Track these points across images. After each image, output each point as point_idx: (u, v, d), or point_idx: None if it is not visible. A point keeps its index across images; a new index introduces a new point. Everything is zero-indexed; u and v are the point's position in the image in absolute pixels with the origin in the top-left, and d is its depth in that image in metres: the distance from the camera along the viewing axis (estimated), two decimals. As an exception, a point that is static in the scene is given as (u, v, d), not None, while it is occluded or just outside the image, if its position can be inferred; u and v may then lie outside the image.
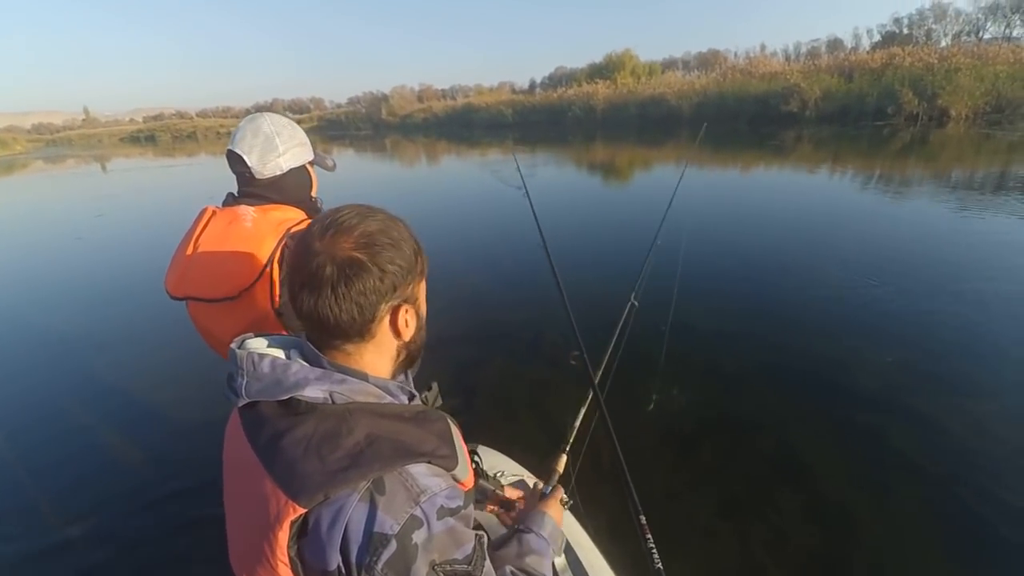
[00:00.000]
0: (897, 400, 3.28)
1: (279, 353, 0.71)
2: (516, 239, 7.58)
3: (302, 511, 0.59)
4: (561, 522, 1.12)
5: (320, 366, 0.69)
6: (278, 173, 1.32)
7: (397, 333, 0.74)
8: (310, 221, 1.28)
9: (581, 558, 1.40)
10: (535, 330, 4.55)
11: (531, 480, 1.75)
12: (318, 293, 0.65)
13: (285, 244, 1.21)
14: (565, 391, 3.50)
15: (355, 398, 0.68)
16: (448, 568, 0.62)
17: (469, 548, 0.65)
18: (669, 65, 41.38)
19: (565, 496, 1.22)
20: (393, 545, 0.58)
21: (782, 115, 22.90)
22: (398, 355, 0.77)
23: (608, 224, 8.56)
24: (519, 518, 1.11)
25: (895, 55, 22.36)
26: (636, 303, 2.46)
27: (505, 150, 22.47)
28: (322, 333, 0.70)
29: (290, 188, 1.35)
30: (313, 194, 1.46)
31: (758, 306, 4.86)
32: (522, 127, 35.46)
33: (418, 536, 0.60)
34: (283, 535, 0.60)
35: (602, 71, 36.18)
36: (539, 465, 1.76)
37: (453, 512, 0.64)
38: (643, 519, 1.18)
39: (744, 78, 26.77)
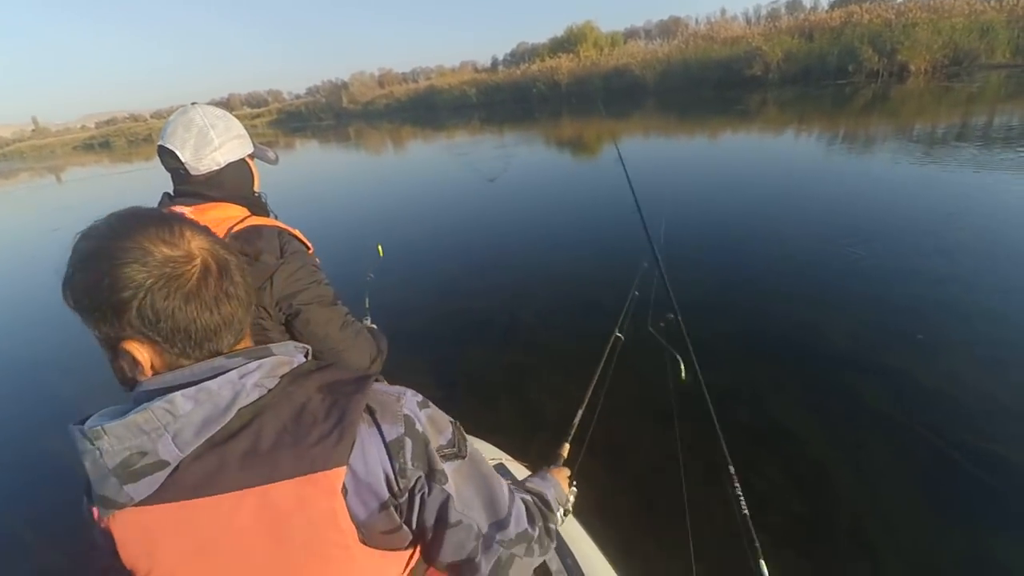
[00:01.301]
0: (870, 357, 3.31)
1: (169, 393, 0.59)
2: (488, 224, 7.44)
3: (344, 468, 0.59)
4: (566, 489, 1.13)
5: (222, 367, 0.62)
6: (215, 168, 1.23)
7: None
8: (257, 218, 1.23)
9: (580, 559, 1.40)
10: (509, 315, 4.48)
11: (511, 465, 1.76)
12: (224, 293, 0.64)
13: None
14: (544, 376, 3.54)
15: (278, 372, 0.65)
16: (440, 453, 0.69)
17: (450, 432, 0.73)
18: (631, 35, 41.04)
19: (571, 474, 1.22)
20: (408, 443, 0.65)
21: (746, 79, 22.92)
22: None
23: (582, 205, 8.41)
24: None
25: (853, 13, 22.35)
26: (637, 293, 2.54)
27: (472, 131, 22.18)
28: (220, 333, 0.64)
29: (230, 184, 1.26)
30: (256, 189, 1.37)
31: (732, 273, 4.85)
32: (487, 107, 34.95)
33: (418, 428, 0.67)
34: (339, 505, 0.59)
35: (564, 45, 35.70)
36: (521, 449, 1.80)
37: (425, 404, 0.71)
38: (731, 468, 1.39)
39: (706, 44, 26.63)
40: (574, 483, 1.22)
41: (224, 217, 1.18)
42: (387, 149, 21.84)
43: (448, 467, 0.69)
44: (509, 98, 34.81)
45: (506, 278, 5.36)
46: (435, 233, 7.35)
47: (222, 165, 1.24)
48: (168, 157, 1.21)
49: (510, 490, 0.80)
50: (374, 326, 1.62)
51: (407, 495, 0.65)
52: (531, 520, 0.82)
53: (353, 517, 0.61)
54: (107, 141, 67.07)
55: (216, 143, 1.22)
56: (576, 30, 36.16)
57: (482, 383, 3.56)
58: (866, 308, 3.92)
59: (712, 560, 1.86)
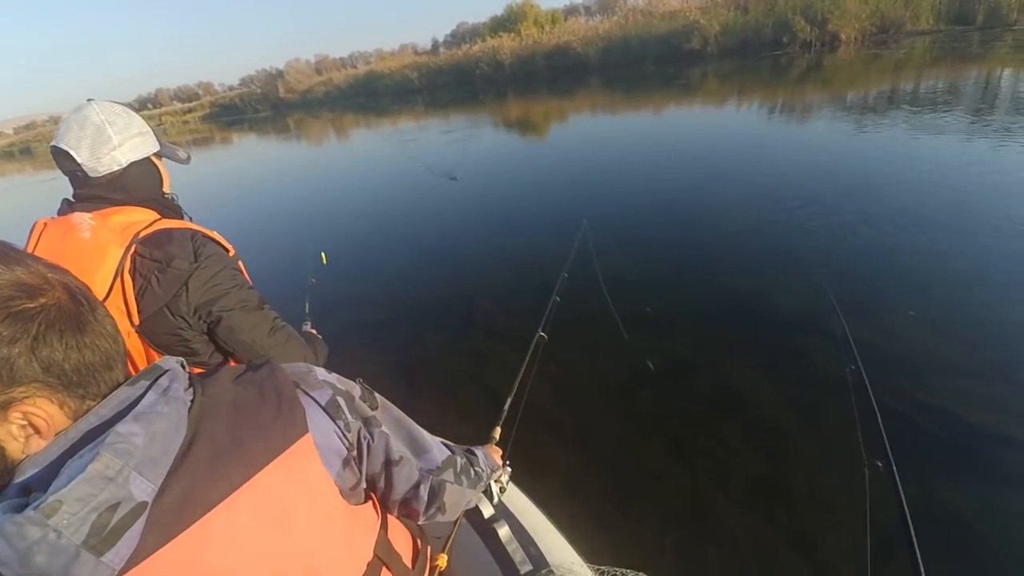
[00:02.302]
0: (815, 318, 3.35)
1: (74, 433, 0.50)
2: (432, 216, 7.22)
3: (309, 434, 0.61)
4: (497, 459, 1.23)
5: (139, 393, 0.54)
6: (116, 169, 1.15)
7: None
8: (167, 220, 1.17)
9: (526, 524, 1.46)
10: (451, 308, 4.37)
11: None
12: None
13: (136, 251, 1.07)
14: (495, 360, 3.46)
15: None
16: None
17: (358, 388, 0.76)
18: (571, 12, 40.69)
19: (502, 452, 1.33)
20: (341, 401, 0.69)
21: (686, 53, 23.16)
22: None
23: (524, 194, 8.24)
24: None
25: (785, -17, 22.81)
26: (566, 274, 2.58)
27: (417, 116, 21.69)
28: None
29: (134, 185, 1.18)
30: (165, 190, 1.29)
31: (679, 247, 4.87)
32: (431, 90, 34.23)
33: (340, 387, 0.72)
34: (323, 466, 0.62)
35: (505, 24, 35.15)
36: (473, 436, 1.77)
37: (328, 371, 0.74)
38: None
39: (645, 19, 26.74)
40: (507, 462, 1.32)
41: (130, 222, 1.11)
42: (330, 139, 21.02)
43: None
44: (452, 81, 34.14)
45: (449, 270, 5.20)
46: (380, 227, 7.06)
47: (124, 165, 1.16)
48: (63, 159, 1.12)
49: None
50: (313, 331, 1.60)
51: (356, 448, 0.70)
52: (451, 451, 0.92)
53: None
54: (28, 148, 62.37)
55: (115, 141, 1.13)
56: (516, 8, 35.64)
57: (425, 379, 3.50)
58: (807, 271, 3.97)
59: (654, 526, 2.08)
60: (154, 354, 1.15)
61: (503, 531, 1.44)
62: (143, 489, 0.47)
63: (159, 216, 1.18)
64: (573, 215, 5.58)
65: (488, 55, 31.97)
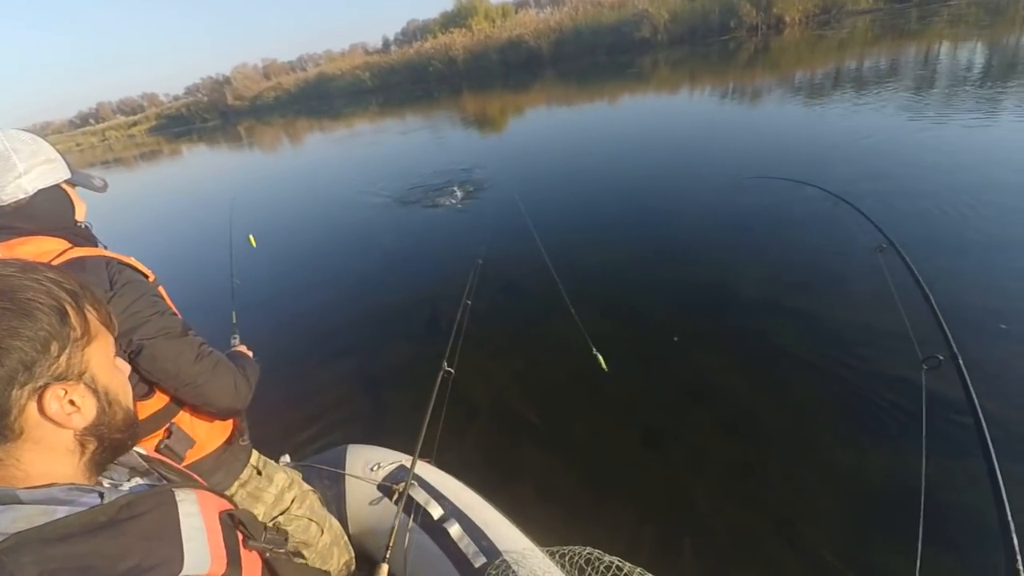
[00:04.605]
0: (776, 300, 3.42)
1: None
2: (370, 227, 6.97)
3: None
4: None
5: None
6: (21, 197, 1.10)
7: (56, 423, 0.55)
8: (79, 249, 1.11)
9: (476, 519, 1.50)
10: (385, 318, 4.23)
11: (407, 460, 1.81)
12: None
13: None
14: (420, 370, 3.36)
15: (11, 529, 0.49)
16: None
17: None
18: (521, 4, 40.61)
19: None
20: None
21: (637, 42, 23.32)
22: (83, 447, 0.59)
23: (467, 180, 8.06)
24: None
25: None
26: (480, 261, 2.72)
27: (372, 118, 21.25)
28: None
29: (43, 214, 1.13)
30: (79, 218, 1.23)
31: (640, 235, 4.83)
32: (384, 90, 33.67)
33: None
34: None
35: (456, 19, 34.80)
36: (410, 442, 1.78)
37: None
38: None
39: (595, 9, 26.81)
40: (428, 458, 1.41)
41: (40, 252, 1.07)
42: (283, 146, 20.38)
43: None
44: (406, 79, 33.64)
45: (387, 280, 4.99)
46: (318, 237, 6.79)
47: (30, 193, 1.11)
48: None
49: None
50: (242, 347, 1.55)
51: None
52: None
53: None
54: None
55: (20, 168, 1.09)
56: (466, 3, 35.30)
57: (370, 387, 3.40)
58: (763, 254, 4.03)
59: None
60: None
61: (454, 529, 1.48)
62: None
63: (70, 245, 1.13)
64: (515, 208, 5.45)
65: (440, 52, 31.60)
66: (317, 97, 39.66)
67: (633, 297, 3.78)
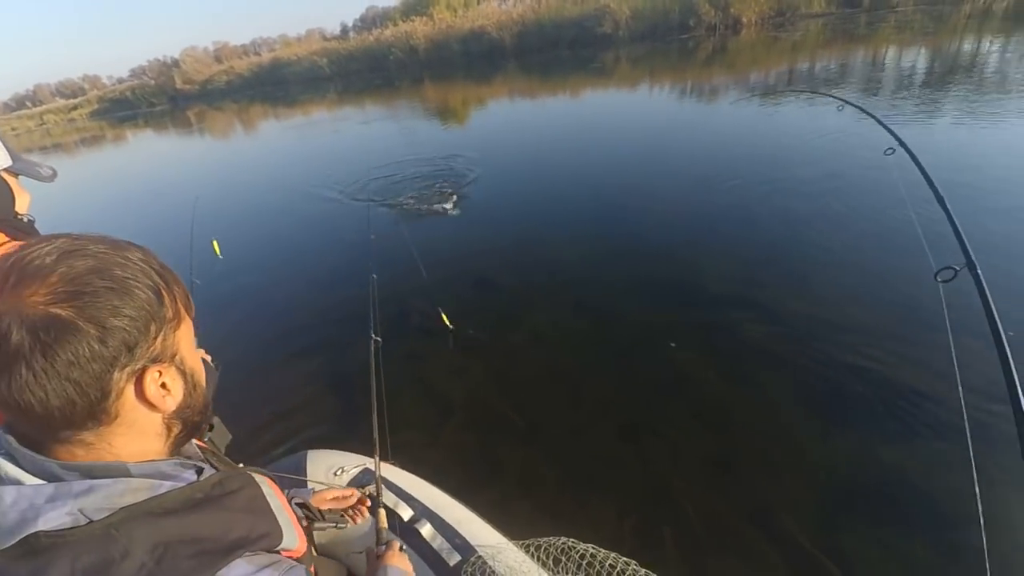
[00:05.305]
0: (742, 293, 3.50)
1: None
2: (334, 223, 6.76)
3: None
4: (410, 570, 1.05)
5: (50, 475, 0.50)
6: None
7: (152, 406, 0.55)
8: (17, 244, 0.97)
9: (448, 518, 1.49)
10: (326, 315, 4.12)
11: (370, 462, 1.75)
12: (9, 374, 0.46)
13: None
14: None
15: (119, 503, 0.50)
16: None
17: None
18: (484, -5, 40.22)
19: (401, 544, 1.12)
20: None
21: (599, 37, 23.44)
22: (169, 429, 0.60)
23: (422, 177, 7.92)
24: None
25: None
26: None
27: (330, 105, 20.67)
28: (37, 425, 0.50)
29: None
30: (20, 210, 1.17)
31: (605, 232, 4.84)
32: (343, 78, 32.78)
33: None
34: None
35: (417, 7, 34.19)
36: (367, 443, 1.68)
37: None
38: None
39: (558, 3, 26.79)
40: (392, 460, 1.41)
41: None
42: (236, 133, 19.57)
43: None
44: (365, 67, 32.83)
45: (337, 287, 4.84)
46: (275, 234, 6.54)
47: None
48: None
49: None
50: (200, 351, 1.29)
51: None
52: None
53: None
54: None
55: None
56: (428, -9, 34.71)
57: (322, 392, 3.28)
58: (729, 249, 4.12)
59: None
60: None
61: (426, 529, 1.48)
62: None
63: (8, 238, 1.08)
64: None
65: (401, 40, 30.98)
66: (272, 83, 38.28)
67: (601, 294, 3.80)
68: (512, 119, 11.74)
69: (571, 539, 1.35)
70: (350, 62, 34.00)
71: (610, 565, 1.28)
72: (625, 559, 1.29)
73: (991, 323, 0.89)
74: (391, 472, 1.76)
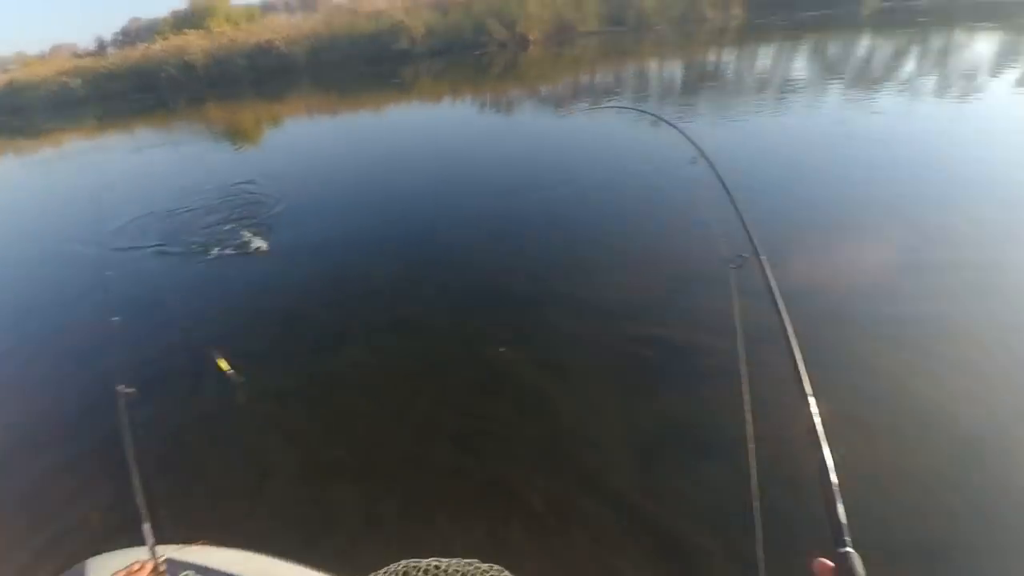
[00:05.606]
0: (552, 290, 3.70)
1: None
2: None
3: None
4: None
5: None
6: None
7: None
8: None
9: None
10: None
11: (174, 549, 1.53)
12: None
13: None
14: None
15: None
16: None
17: None
18: (269, 8, 37.67)
19: None
20: None
21: (396, 53, 23.19)
22: None
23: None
24: None
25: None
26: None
27: (90, 133, 17.44)
28: None
29: None
30: None
31: (415, 250, 4.72)
32: (103, 100, 28.06)
33: None
34: None
35: (190, 20, 30.74)
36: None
37: None
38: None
39: (351, 18, 26.00)
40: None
41: None
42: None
43: None
44: (131, 87, 28.40)
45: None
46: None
47: None
48: None
49: None
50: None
51: None
52: None
53: None
54: None
55: None
56: (203, 2, 31.42)
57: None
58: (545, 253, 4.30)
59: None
60: None
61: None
62: None
63: None
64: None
65: (174, 56, 27.46)
66: (9, 111, 31.42)
67: (404, 308, 3.74)
68: (313, 138, 10.97)
69: (413, 559, 1.32)
70: (111, 82, 29.23)
71: (455, 570, 1.29)
72: (467, 560, 1.30)
73: (772, 297, 1.06)
74: (198, 554, 1.53)
